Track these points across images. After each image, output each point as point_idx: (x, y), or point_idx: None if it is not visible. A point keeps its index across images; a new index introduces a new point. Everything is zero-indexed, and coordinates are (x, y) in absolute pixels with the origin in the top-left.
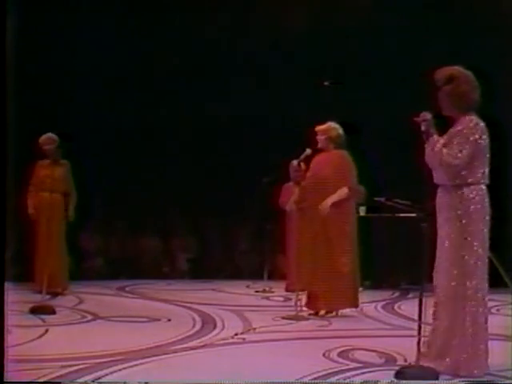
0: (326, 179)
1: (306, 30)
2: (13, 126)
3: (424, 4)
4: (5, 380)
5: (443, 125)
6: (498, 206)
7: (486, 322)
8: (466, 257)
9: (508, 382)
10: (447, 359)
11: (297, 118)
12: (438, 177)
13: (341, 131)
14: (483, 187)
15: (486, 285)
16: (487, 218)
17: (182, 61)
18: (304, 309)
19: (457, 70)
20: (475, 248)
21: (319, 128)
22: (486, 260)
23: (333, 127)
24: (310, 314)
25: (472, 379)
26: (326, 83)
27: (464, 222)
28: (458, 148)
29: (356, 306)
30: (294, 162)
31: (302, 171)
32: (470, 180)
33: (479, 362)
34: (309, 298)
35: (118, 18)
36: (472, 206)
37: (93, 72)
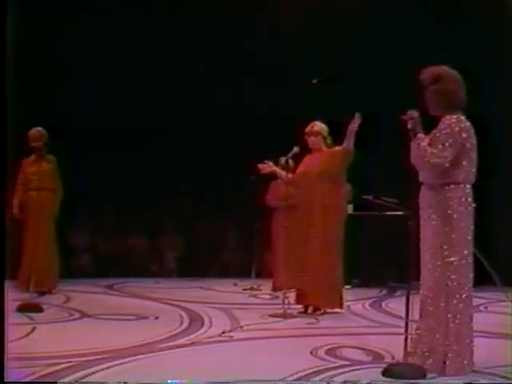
0: (318, 177)
1: (298, 29)
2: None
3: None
4: (5, 380)
5: (430, 123)
6: (483, 203)
7: (470, 321)
8: (450, 256)
9: (502, 381)
10: (433, 357)
11: (285, 115)
12: (424, 175)
13: (327, 129)
14: (468, 186)
15: (471, 283)
16: (471, 217)
17: (175, 57)
18: (292, 306)
19: (443, 69)
20: (459, 247)
21: (311, 130)
22: (471, 259)
23: (322, 127)
24: (299, 312)
25: (456, 378)
26: (314, 81)
27: (448, 220)
28: (442, 147)
29: (341, 306)
30: (282, 160)
31: (289, 169)
32: (454, 179)
33: (464, 360)
34: (298, 294)
35: (114, 15)
36: (456, 206)
37: (84, 66)
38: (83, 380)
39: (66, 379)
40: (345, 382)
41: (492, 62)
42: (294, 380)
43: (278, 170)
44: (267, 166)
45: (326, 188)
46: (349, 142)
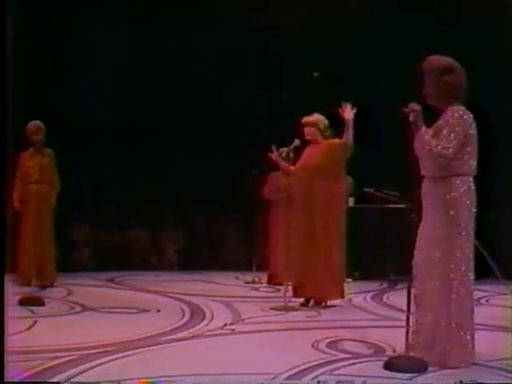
0: (316, 171)
1: (299, 22)
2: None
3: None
4: (5, 380)
5: (428, 115)
6: (484, 197)
7: (471, 313)
8: (453, 248)
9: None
10: (434, 350)
11: (285, 108)
12: (426, 168)
13: (327, 122)
14: (470, 178)
15: (473, 276)
16: (473, 209)
17: (175, 57)
18: (293, 300)
19: (452, 60)
20: (461, 239)
21: (307, 120)
22: (472, 251)
23: (320, 119)
24: (300, 305)
25: (453, 376)
26: (315, 74)
27: (451, 213)
28: (447, 138)
29: (342, 296)
30: (284, 152)
31: (290, 161)
32: (457, 171)
33: (465, 353)
34: (295, 287)
35: (114, 15)
36: (459, 198)
37: (84, 66)
38: (83, 375)
39: (68, 373)
40: (338, 382)
41: (491, 59)
42: (286, 379)
43: (281, 161)
44: (274, 155)
45: (325, 182)
46: (348, 135)
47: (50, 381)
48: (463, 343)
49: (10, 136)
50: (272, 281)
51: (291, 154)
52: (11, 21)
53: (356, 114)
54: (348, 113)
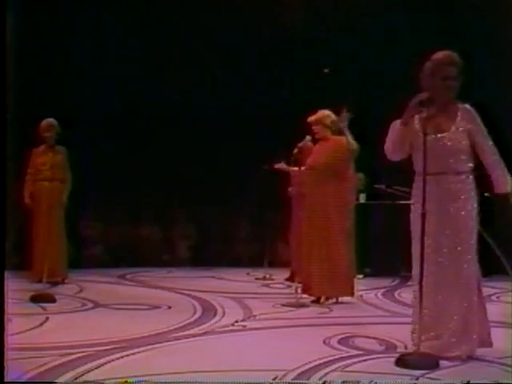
0: (322, 169)
1: (305, 18)
2: (10, 113)
3: None
4: (5, 380)
5: None
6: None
7: (484, 308)
8: (461, 243)
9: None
10: (463, 344)
11: (297, 104)
12: (436, 165)
13: (334, 117)
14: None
15: (478, 271)
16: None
17: (181, 48)
18: (304, 296)
19: None
20: (470, 232)
21: (312, 119)
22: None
23: (326, 115)
24: (311, 302)
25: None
26: (325, 70)
27: (459, 207)
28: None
29: (352, 294)
30: (303, 144)
31: (304, 156)
32: (470, 165)
33: (468, 346)
34: (304, 285)
35: (115, 8)
36: (470, 191)
37: (90, 57)
38: (94, 372)
39: (79, 369)
40: (344, 382)
41: (491, 56)
42: (298, 376)
43: (287, 167)
44: (281, 166)
45: (332, 181)
46: (348, 140)
47: (55, 380)
48: (467, 338)
49: (16, 133)
50: (292, 279)
51: (308, 145)
52: (12, 20)
53: (362, 112)
54: (340, 120)
